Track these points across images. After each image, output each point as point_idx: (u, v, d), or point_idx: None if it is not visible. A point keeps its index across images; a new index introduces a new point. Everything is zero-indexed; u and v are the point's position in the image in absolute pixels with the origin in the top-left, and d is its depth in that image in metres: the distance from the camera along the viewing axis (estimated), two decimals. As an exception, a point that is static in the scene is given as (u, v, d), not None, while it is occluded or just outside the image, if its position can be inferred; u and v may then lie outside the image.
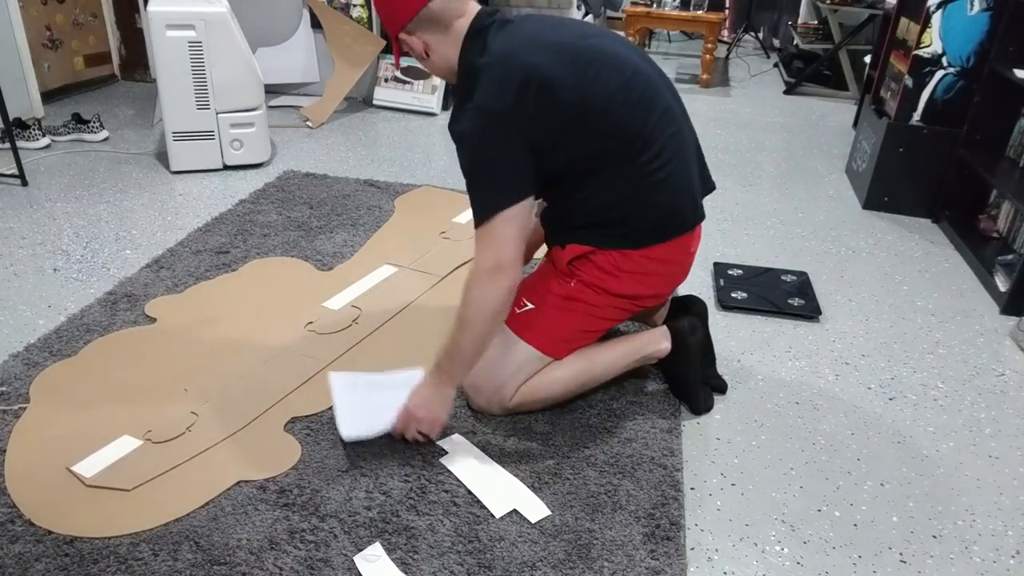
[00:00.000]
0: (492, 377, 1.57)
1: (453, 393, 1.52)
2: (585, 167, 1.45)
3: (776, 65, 5.91)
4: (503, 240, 1.39)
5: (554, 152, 1.42)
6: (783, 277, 2.35)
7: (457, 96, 1.47)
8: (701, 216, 1.57)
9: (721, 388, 1.77)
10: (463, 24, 1.45)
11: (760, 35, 6.55)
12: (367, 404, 1.55)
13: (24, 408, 1.59)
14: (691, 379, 1.69)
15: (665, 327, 1.70)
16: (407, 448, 1.52)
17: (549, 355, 1.57)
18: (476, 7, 1.49)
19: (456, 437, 1.56)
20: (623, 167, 1.45)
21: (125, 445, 1.49)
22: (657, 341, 1.67)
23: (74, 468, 1.43)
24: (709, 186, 1.62)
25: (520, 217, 1.40)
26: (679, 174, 1.49)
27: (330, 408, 1.63)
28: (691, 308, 1.76)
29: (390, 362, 1.80)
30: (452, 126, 1.44)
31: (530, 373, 1.57)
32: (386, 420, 1.51)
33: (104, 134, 3.36)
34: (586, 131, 1.41)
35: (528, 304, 1.57)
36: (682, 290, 2.25)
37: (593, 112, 1.40)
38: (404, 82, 4.03)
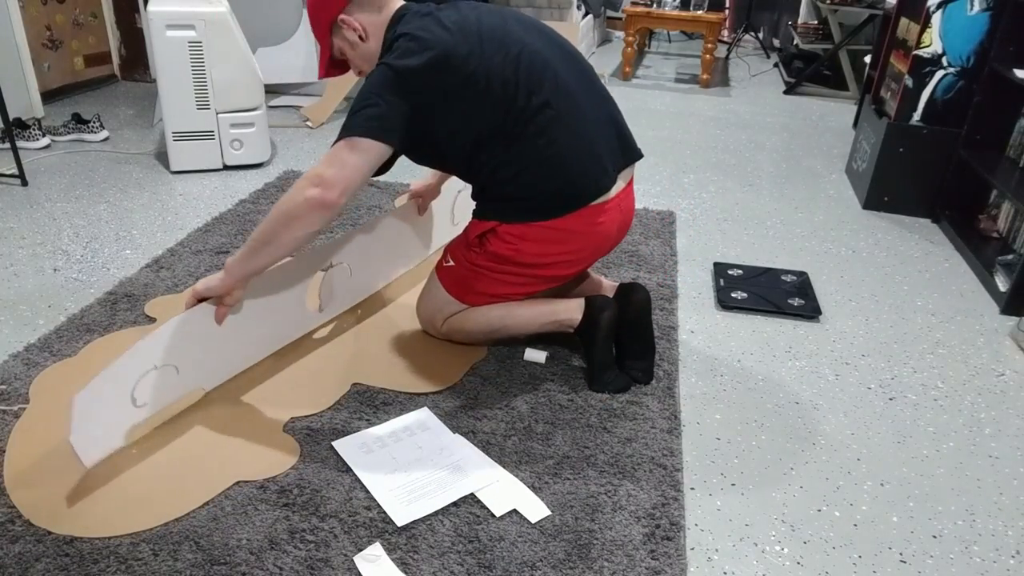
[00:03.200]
0: (424, 309, 1.88)
1: (218, 279, 1.56)
2: (478, 142, 1.59)
3: (776, 65, 5.91)
4: (340, 162, 1.50)
5: (445, 122, 1.57)
6: (783, 277, 2.35)
7: None
8: (608, 184, 1.63)
9: (638, 380, 1.77)
10: (392, 8, 1.64)
11: (760, 35, 6.55)
12: (397, 472, 1.46)
13: (24, 408, 1.59)
14: (595, 354, 1.73)
15: (583, 299, 1.76)
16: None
17: (463, 303, 1.79)
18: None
19: (457, 437, 1.56)
20: (513, 143, 1.57)
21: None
22: (570, 311, 1.76)
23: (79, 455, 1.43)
24: (631, 155, 1.72)
25: (368, 153, 1.51)
26: (574, 147, 1.59)
27: (330, 409, 1.63)
28: (630, 295, 1.77)
29: (388, 358, 1.81)
30: None
31: (451, 311, 1.81)
32: (438, 497, 1.40)
33: (104, 134, 3.36)
34: (474, 107, 1.55)
35: (451, 261, 1.79)
36: (684, 289, 2.25)
37: (480, 89, 1.54)
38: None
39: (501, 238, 1.67)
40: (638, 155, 1.73)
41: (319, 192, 1.47)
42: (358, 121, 1.51)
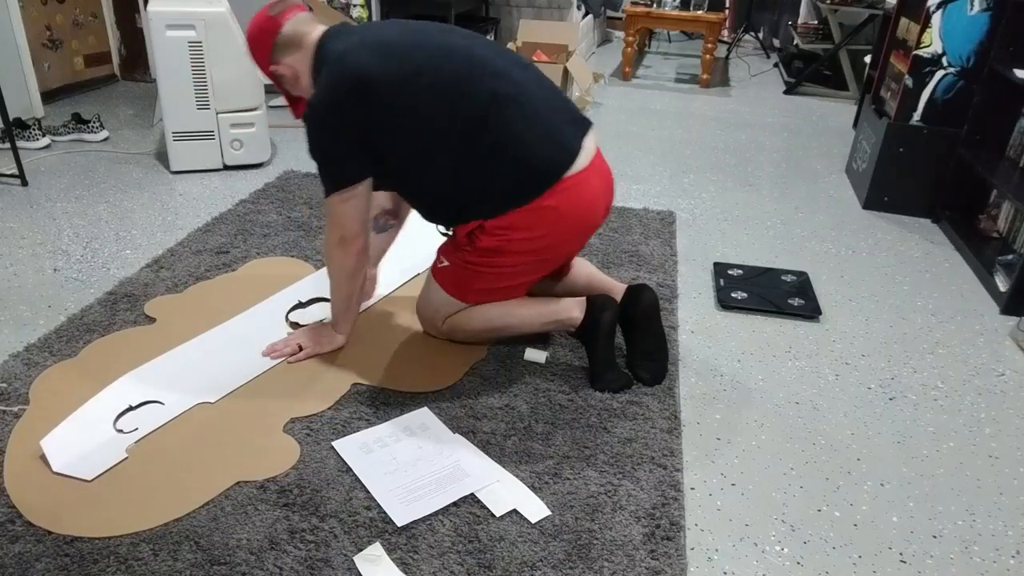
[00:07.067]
0: (424, 310, 1.89)
1: (341, 340, 1.85)
2: (429, 151, 1.60)
3: (776, 65, 5.91)
4: (344, 217, 1.66)
5: (393, 141, 1.60)
6: (783, 277, 2.35)
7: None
8: (576, 148, 1.63)
9: (643, 381, 1.77)
10: (313, 39, 1.66)
11: (760, 35, 6.55)
12: (397, 472, 1.46)
13: (24, 409, 1.59)
14: (596, 354, 1.74)
15: (584, 299, 1.78)
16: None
17: (461, 301, 1.80)
18: (323, 27, 1.68)
19: (457, 437, 1.56)
20: (475, 141, 1.58)
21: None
22: (570, 310, 1.77)
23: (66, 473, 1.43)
24: (584, 123, 1.70)
25: (357, 197, 1.65)
26: (532, 125, 1.59)
27: (330, 409, 1.63)
28: (639, 295, 1.78)
29: (388, 358, 1.81)
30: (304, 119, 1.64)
31: (451, 311, 1.82)
32: (438, 497, 1.40)
33: (104, 134, 3.36)
34: (417, 121, 1.57)
35: (444, 261, 1.79)
36: (684, 289, 2.25)
37: (417, 102, 1.56)
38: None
39: (489, 232, 1.66)
40: (588, 122, 1.72)
41: (357, 245, 1.69)
42: (328, 178, 1.64)
